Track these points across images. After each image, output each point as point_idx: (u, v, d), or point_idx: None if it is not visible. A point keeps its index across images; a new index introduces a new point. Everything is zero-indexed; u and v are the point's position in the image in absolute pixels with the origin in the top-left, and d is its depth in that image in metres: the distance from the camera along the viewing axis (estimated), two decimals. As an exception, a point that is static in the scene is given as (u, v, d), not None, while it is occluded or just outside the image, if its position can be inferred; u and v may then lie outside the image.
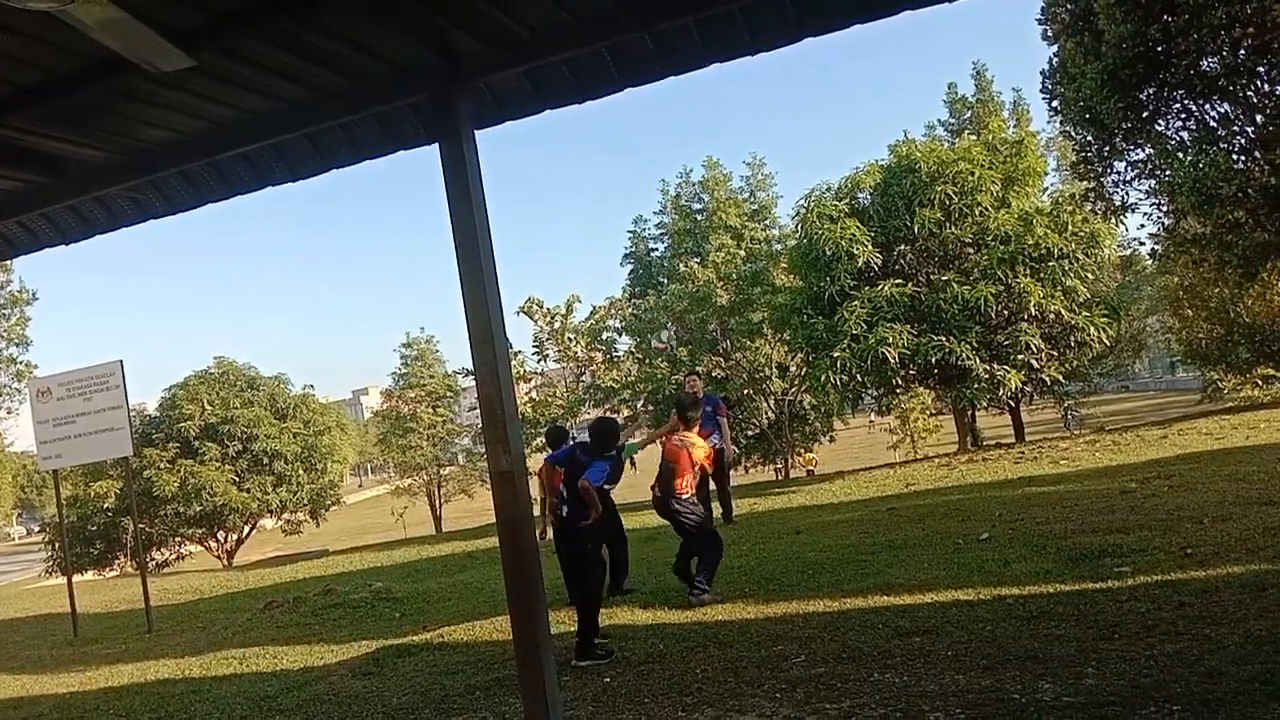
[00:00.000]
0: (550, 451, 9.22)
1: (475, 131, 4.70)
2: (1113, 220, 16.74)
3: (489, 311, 4.39)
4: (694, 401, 9.44)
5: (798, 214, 21.27)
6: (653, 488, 8.50)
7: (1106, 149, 14.62)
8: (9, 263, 22.04)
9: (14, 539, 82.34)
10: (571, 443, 8.63)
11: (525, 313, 33.54)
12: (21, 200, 6.02)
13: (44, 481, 64.56)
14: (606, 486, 7.55)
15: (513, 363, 29.97)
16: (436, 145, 4.66)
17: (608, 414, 33.60)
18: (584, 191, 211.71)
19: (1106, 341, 19.63)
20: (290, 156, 5.68)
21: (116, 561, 31.84)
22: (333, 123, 5.25)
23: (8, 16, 3.86)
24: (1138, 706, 4.40)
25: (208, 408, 32.06)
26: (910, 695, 5.04)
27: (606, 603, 8.77)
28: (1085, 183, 16.10)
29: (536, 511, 8.74)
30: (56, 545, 31.39)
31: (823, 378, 18.89)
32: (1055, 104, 15.07)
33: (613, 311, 33.37)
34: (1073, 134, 15.49)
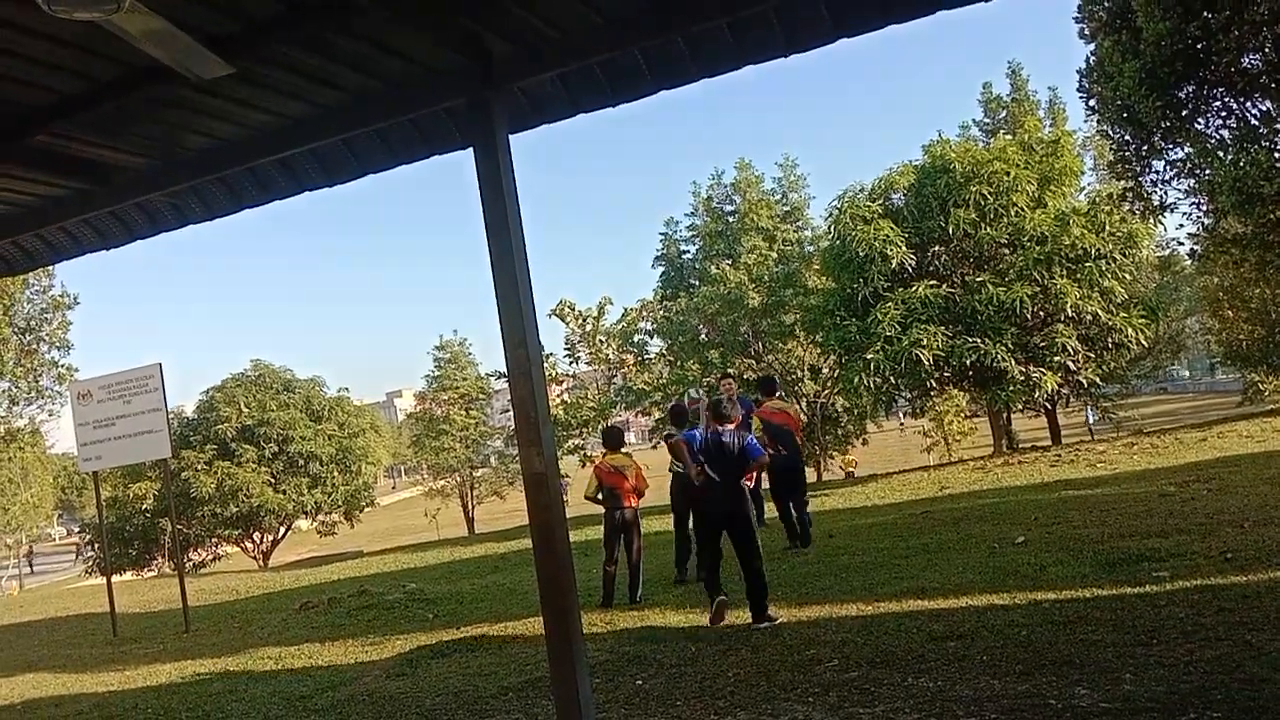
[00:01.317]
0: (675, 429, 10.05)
1: (509, 135, 4.71)
2: (1151, 220, 16.55)
3: (522, 314, 4.41)
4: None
5: (830, 215, 21.19)
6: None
7: (1145, 148, 14.45)
8: (50, 268, 22.42)
9: (55, 539, 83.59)
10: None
11: (557, 315, 33.63)
12: (65, 206, 6.13)
13: (84, 483, 65.43)
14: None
15: (545, 365, 30.00)
16: (471, 149, 4.67)
17: (636, 416, 33.71)
18: (616, 194, 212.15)
19: (1144, 343, 19.41)
20: (327, 162, 5.74)
21: (154, 562, 32.29)
22: (369, 128, 5.29)
23: (52, 26, 3.94)
24: (1176, 712, 4.34)
25: (244, 410, 32.42)
26: (945, 700, 5.00)
27: (637, 605, 8.82)
28: (1123, 182, 15.91)
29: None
30: (96, 546, 31.91)
31: (856, 380, 18.81)
32: (1092, 103, 14.92)
33: (644, 314, 33.38)
34: (1110, 133, 15.32)
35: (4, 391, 25.21)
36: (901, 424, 42.24)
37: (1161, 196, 15.16)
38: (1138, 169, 14.94)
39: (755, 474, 8.59)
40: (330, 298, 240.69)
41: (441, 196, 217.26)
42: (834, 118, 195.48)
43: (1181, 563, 7.14)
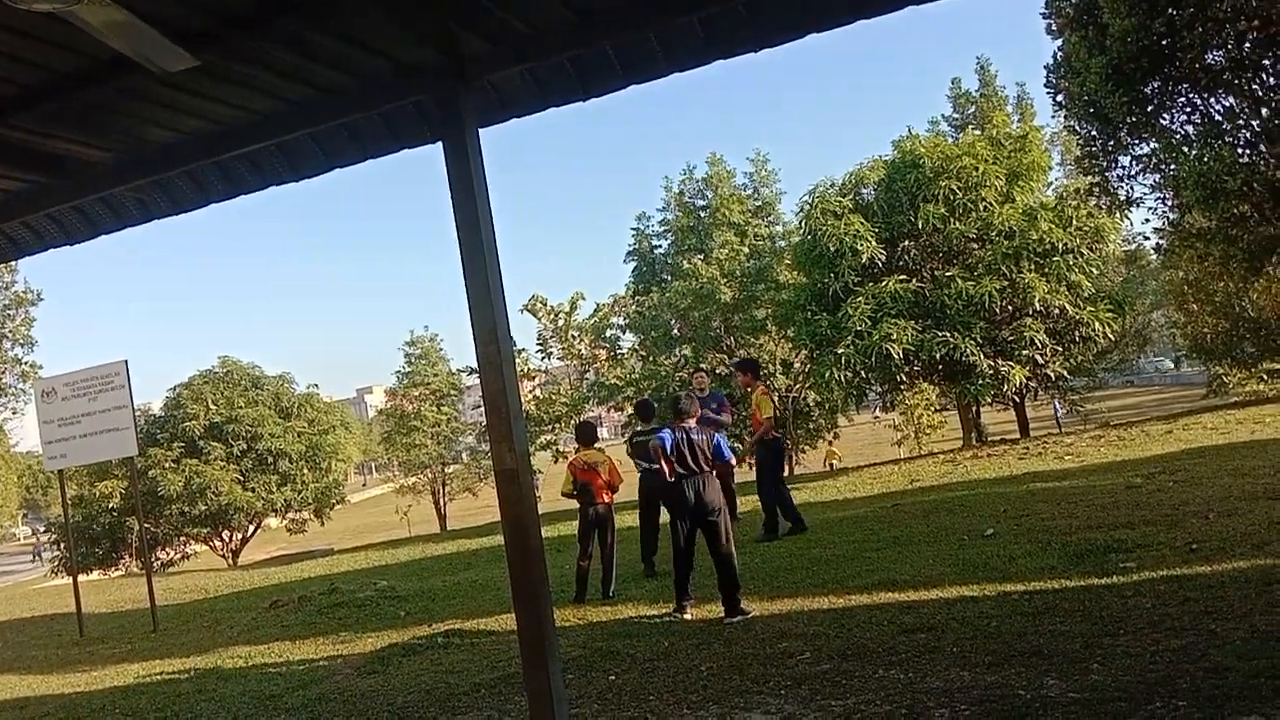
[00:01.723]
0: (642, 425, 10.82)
1: (479, 129, 4.69)
2: (1117, 215, 16.73)
3: (494, 309, 4.39)
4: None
5: (801, 210, 21.30)
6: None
7: (1111, 143, 14.60)
8: (13, 263, 22.10)
9: (19, 539, 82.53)
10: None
11: (529, 310, 33.52)
12: (26, 201, 6.03)
13: (49, 481, 64.60)
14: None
15: (517, 361, 30.00)
16: (440, 144, 4.65)
17: (609, 412, 33.68)
18: (587, 189, 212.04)
19: (1111, 336, 19.63)
20: (295, 156, 5.68)
21: (121, 561, 31.92)
22: (337, 122, 5.25)
23: (11, 17, 3.87)
24: (1143, 702, 4.40)
25: (212, 407, 32.11)
26: (915, 692, 5.04)
27: (610, 600, 8.83)
28: (1090, 177, 16.08)
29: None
30: (61, 545, 31.50)
31: (827, 374, 18.92)
32: (1060, 98, 15.04)
33: (616, 309, 33.36)
34: (1077, 128, 15.46)
35: (-34, 389, 24.90)
36: (876, 416, 42.52)
37: (1128, 191, 15.34)
38: (1104, 164, 15.09)
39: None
40: (297, 293, 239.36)
41: (411, 190, 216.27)
42: (806, 113, 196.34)
43: (1148, 553, 7.23)
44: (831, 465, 29.25)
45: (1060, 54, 14.76)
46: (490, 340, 4.38)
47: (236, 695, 7.53)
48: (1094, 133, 14.71)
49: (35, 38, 4.17)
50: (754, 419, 11.48)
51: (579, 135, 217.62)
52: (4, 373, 24.33)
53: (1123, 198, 15.39)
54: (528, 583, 4.32)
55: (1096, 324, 18.69)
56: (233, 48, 4.39)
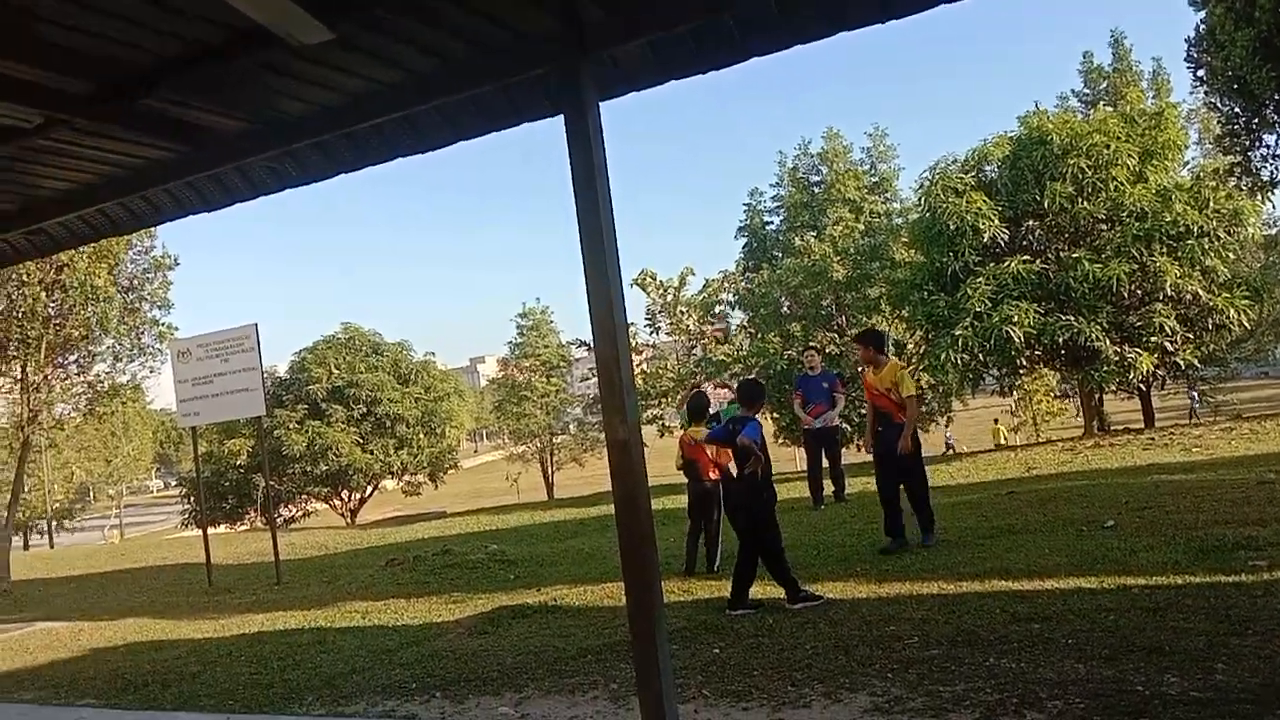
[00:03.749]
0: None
1: (600, 102, 4.71)
2: (1259, 197, 15.86)
3: (609, 282, 4.42)
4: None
5: (921, 187, 20.79)
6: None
7: (1255, 121, 13.83)
8: (153, 229, 23.17)
9: (153, 492, 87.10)
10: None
11: (639, 285, 33.69)
12: (167, 169, 6.30)
13: (180, 438, 68.08)
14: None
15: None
16: (562, 117, 4.68)
17: (716, 389, 33.58)
18: (701, 163, 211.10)
19: (1247, 325, 18.69)
20: (420, 127, 5.79)
21: (247, 516, 33.45)
22: (461, 95, 5.32)
23: (155, -10, 4.06)
24: (1272, 705, 4.21)
25: (335, 371, 33.27)
26: (1027, 682, 4.93)
27: (716, 575, 8.85)
28: (1230, 157, 15.28)
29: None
30: (192, 499, 33.14)
31: (943, 356, 18.48)
32: (1201, 73, 14.30)
33: (726, 285, 33.26)
34: (1219, 105, 14.70)
35: (109, 348, 26.17)
36: (1003, 414, 41.06)
37: (1272, 172, 14.51)
38: (1247, 143, 14.31)
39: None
40: (416, 262, 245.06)
41: (532, 162, 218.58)
42: (932, 89, 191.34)
43: (1280, 552, 6.90)
44: (997, 444, 28.91)
45: (1203, 26, 14.02)
46: (605, 313, 4.41)
47: (354, 648, 7.84)
48: (1237, 109, 13.95)
49: (175, 10, 4.33)
50: (879, 397, 9.10)
51: (695, 108, 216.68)
52: (143, 333, 25.51)
53: (1266, 178, 14.58)
54: (637, 553, 4.37)
55: (1231, 311, 17.79)
56: (362, 19, 4.48)
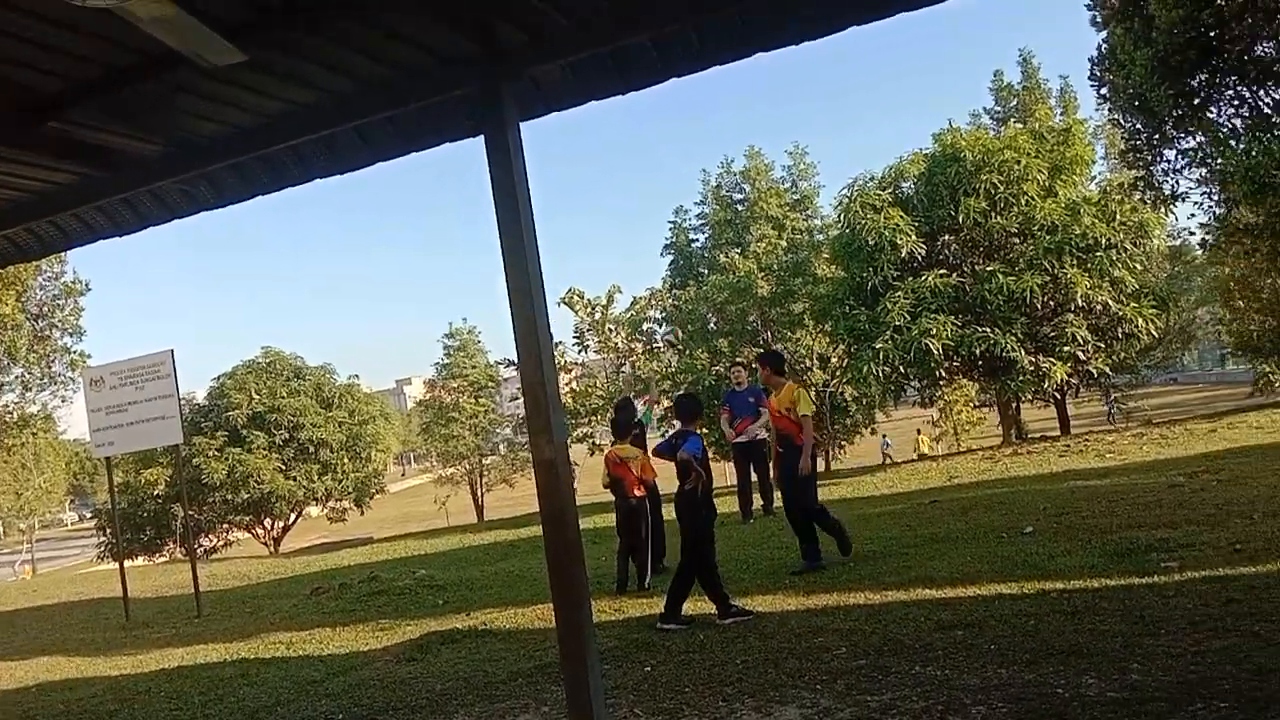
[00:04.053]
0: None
1: (520, 123, 4.72)
2: (1162, 210, 16.48)
3: (533, 301, 4.42)
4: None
5: (840, 203, 21.17)
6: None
7: (1156, 137, 14.39)
8: (63, 254, 22.51)
9: (66, 525, 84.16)
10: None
11: (566, 304, 33.63)
12: (76, 193, 6.15)
13: (95, 469, 65.87)
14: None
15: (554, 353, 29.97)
16: (482, 137, 4.68)
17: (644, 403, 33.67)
18: (623, 183, 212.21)
19: (1155, 333, 19.38)
20: (338, 149, 5.75)
21: (166, 547, 32.49)
22: (379, 115, 5.30)
23: (64, 12, 3.96)
24: (1183, 703, 4.35)
25: (255, 397, 32.57)
26: (952, 688, 5.02)
27: (646, 593, 8.86)
28: (1134, 171, 15.86)
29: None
30: (108, 531, 32.11)
31: (865, 369, 18.82)
32: (1104, 91, 14.84)
33: (653, 302, 33.40)
34: (1122, 122, 15.26)
35: (17, 378, 25.37)
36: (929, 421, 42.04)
37: (1173, 186, 15.10)
38: (1149, 158, 14.87)
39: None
40: (336, 287, 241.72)
41: (450, 185, 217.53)
42: (845, 105, 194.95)
43: (1190, 553, 7.13)
44: (920, 454, 29.32)
45: (1105, 46, 14.56)
46: (530, 333, 4.42)
47: (278, 680, 7.66)
48: (1139, 126, 14.50)
49: (87, 33, 4.25)
50: (780, 419, 9.05)
51: (615, 129, 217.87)
52: (54, 361, 24.79)
53: (1168, 192, 15.16)
54: (566, 573, 4.36)
55: (1140, 320, 18.44)
56: (276, 41, 4.44)
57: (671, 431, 8.62)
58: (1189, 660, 4.91)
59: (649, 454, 9.37)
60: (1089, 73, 14.81)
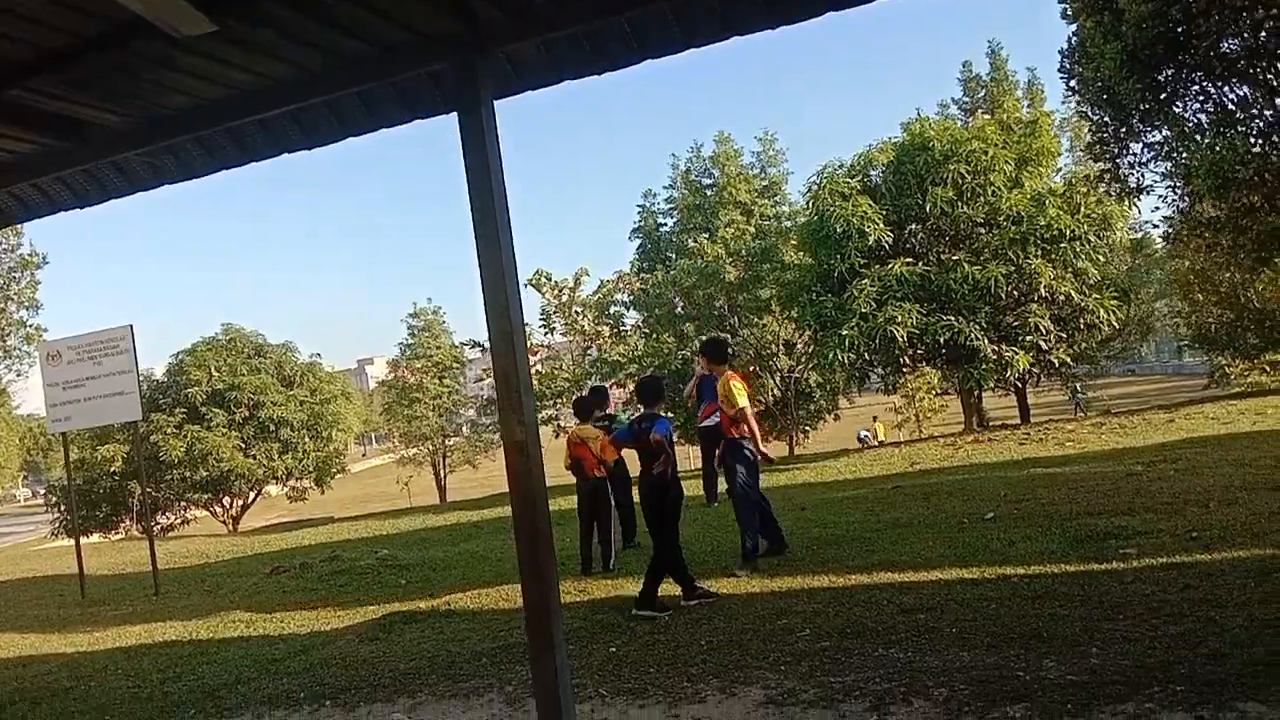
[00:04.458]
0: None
1: (494, 101, 4.67)
2: (1126, 202, 16.64)
3: (505, 282, 4.39)
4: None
5: (809, 190, 21.21)
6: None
7: (1123, 130, 14.50)
8: (20, 226, 22.07)
9: (20, 501, 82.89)
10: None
11: (533, 285, 33.44)
12: (37, 163, 6.01)
13: (49, 444, 64.83)
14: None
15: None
16: (454, 114, 4.63)
17: (612, 388, 33.67)
18: (592, 163, 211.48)
19: (1116, 324, 19.63)
20: (308, 124, 5.66)
21: (122, 524, 32.05)
22: (351, 90, 5.22)
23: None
24: (1141, 686, 4.43)
25: (215, 374, 32.12)
26: (914, 670, 5.08)
27: (611, 574, 8.88)
28: (1100, 164, 15.99)
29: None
30: (63, 507, 31.63)
31: (831, 355, 18.90)
32: (1073, 83, 14.92)
33: (621, 285, 33.31)
34: (1090, 114, 15.36)
35: (-29, 351, 24.91)
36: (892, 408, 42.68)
37: (1138, 179, 15.24)
38: (1115, 150, 15.00)
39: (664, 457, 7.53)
40: (299, 264, 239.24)
41: (417, 165, 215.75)
42: (814, 93, 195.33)
43: (1148, 540, 7.26)
44: (875, 441, 29.61)
45: (1075, 38, 14.64)
46: (502, 313, 4.38)
47: (238, 658, 7.60)
48: (1106, 119, 14.60)
49: (53, 0, 4.15)
50: (721, 413, 8.73)
51: (584, 108, 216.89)
52: (9, 335, 24.31)
53: (1133, 185, 15.30)
54: (534, 554, 4.34)
55: (1102, 311, 18.70)
56: (247, 11, 4.35)
57: (634, 415, 8.57)
58: (1146, 645, 5.00)
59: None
60: (1059, 65, 14.89)
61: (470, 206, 4.50)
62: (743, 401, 8.45)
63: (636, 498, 8.67)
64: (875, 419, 35.50)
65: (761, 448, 8.53)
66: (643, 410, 7.97)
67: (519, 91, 5.11)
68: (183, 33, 3.94)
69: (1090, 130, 16.17)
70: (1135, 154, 14.94)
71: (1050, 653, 5.07)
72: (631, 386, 30.82)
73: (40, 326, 26.41)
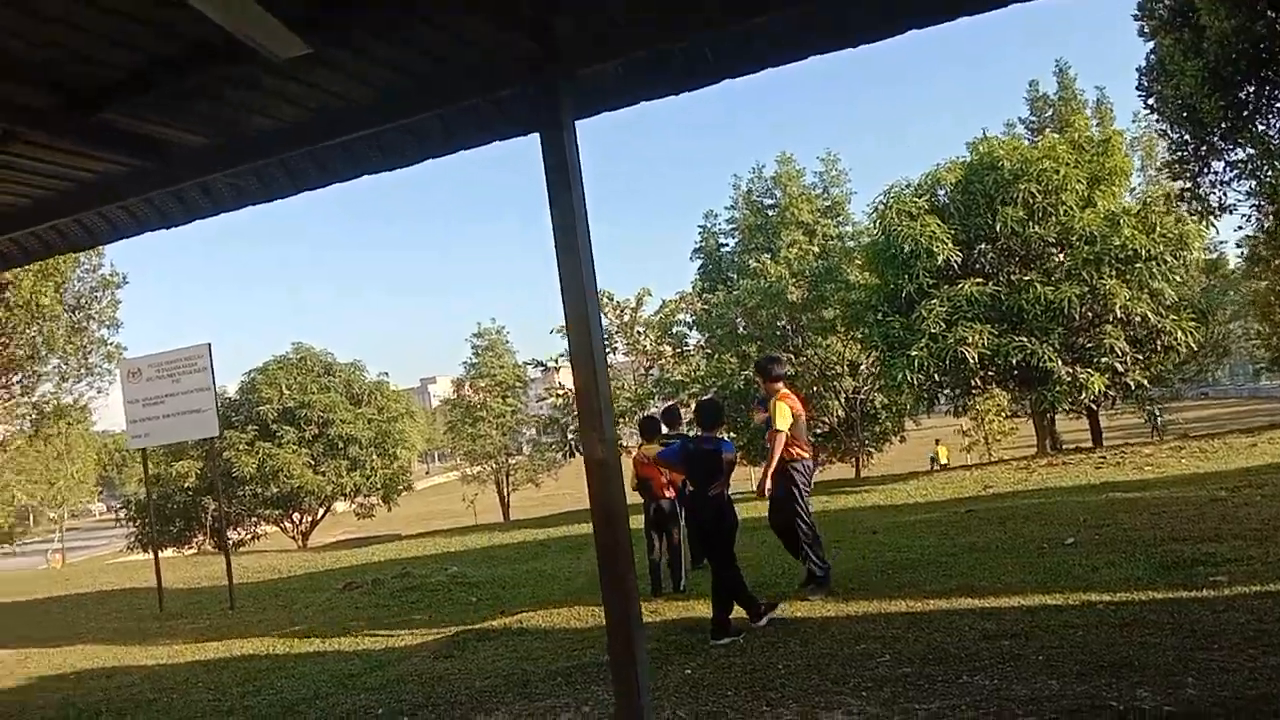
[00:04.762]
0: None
1: (575, 122, 4.70)
2: (1204, 222, 16.24)
3: (586, 302, 4.40)
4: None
5: (876, 210, 21.03)
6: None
7: (1204, 148, 14.21)
8: (101, 247, 22.77)
9: (95, 515, 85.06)
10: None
11: (596, 305, 33.59)
12: (124, 184, 6.16)
13: (124, 460, 66.44)
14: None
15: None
16: (536, 135, 4.66)
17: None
18: (654, 185, 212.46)
19: (1194, 346, 19.11)
20: (388, 146, 5.74)
21: (195, 539, 32.76)
22: (432, 113, 5.29)
23: (121, 1, 3.98)
24: (1243, 718, 4.27)
25: (286, 392, 32.79)
26: (1001, 699, 4.95)
27: (682, 594, 8.82)
28: (1180, 182, 15.65)
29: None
30: (139, 521, 32.41)
31: (899, 376, 18.66)
32: (1151, 101, 14.67)
33: (683, 305, 33.33)
34: (1169, 132, 15.07)
35: (55, 368, 25.64)
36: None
37: (1220, 197, 14.88)
38: (1196, 169, 14.69)
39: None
40: (364, 286, 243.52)
41: (465, 185, 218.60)
42: (875, 113, 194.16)
43: (1239, 568, 7.02)
44: (938, 465, 29.23)
45: (1154, 56, 14.38)
46: (583, 331, 4.39)
47: (315, 674, 7.68)
48: (1186, 137, 14.32)
49: (138, 22, 4.24)
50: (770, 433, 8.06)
51: (641, 131, 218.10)
52: (90, 353, 25.04)
53: (1214, 204, 14.94)
54: (615, 572, 4.33)
55: (1179, 333, 18.21)
56: (333, 35, 4.43)
57: (692, 435, 8.40)
58: (1246, 675, 4.81)
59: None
60: (1136, 83, 14.63)
61: (552, 225, 4.53)
62: (781, 424, 7.90)
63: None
64: (938, 442, 34.97)
65: (766, 478, 8.00)
66: (700, 432, 7.78)
67: (599, 111, 5.14)
68: (278, 56, 4.03)
69: (1169, 148, 15.85)
70: (1216, 172, 14.62)
71: (1143, 682, 4.90)
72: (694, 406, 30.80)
73: (120, 345, 27.15)
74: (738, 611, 7.29)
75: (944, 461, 31.81)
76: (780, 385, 8.27)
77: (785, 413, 7.95)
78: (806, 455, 8.14)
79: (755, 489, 7.96)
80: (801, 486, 8.02)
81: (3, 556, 46.21)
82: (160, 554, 24.19)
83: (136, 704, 7.51)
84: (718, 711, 5.37)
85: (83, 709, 7.58)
